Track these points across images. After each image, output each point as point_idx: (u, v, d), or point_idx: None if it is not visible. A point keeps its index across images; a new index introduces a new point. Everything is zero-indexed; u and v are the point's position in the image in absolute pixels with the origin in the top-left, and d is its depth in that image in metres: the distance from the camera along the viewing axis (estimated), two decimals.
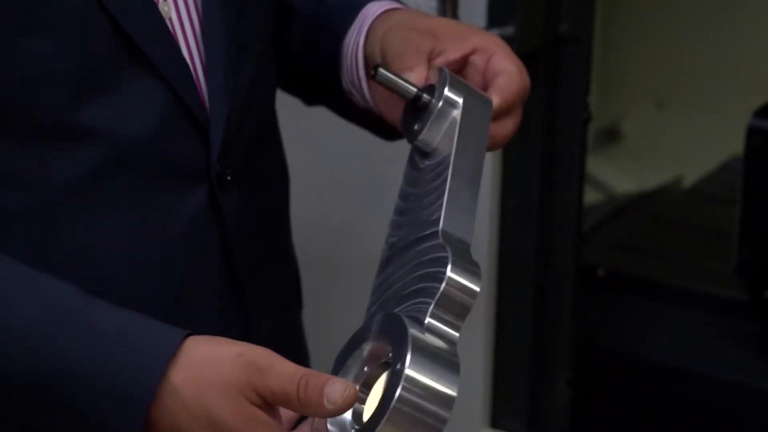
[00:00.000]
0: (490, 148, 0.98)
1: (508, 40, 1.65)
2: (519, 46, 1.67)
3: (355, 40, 1.06)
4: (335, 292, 1.83)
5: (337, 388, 0.80)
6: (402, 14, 1.05)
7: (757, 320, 1.85)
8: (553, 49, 1.72)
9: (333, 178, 1.86)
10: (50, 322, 0.86)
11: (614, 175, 2.50)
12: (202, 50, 0.97)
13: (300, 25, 1.11)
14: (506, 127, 1.01)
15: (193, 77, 0.96)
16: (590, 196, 2.24)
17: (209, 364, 0.84)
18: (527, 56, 1.69)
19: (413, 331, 0.80)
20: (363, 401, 0.83)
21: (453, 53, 1.00)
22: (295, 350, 1.14)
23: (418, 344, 0.80)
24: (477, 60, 1.01)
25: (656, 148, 2.62)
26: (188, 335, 0.86)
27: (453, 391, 0.79)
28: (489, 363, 1.84)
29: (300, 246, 1.17)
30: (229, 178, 0.99)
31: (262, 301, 1.05)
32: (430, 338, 0.81)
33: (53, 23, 0.89)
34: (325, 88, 1.11)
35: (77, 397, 0.85)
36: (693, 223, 2.21)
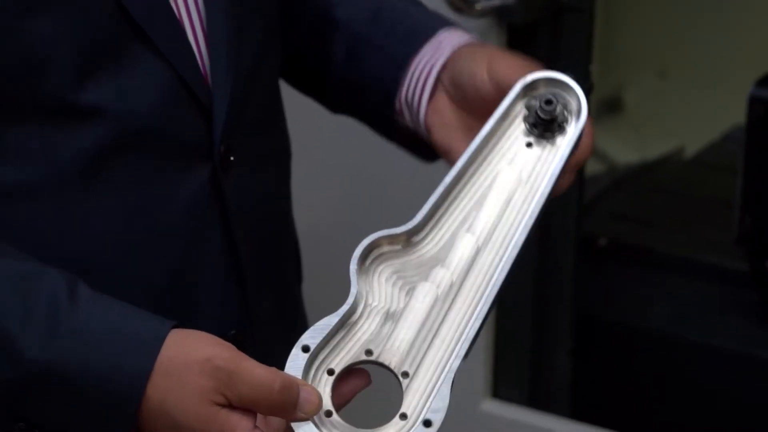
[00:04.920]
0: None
1: (509, 9, 1.64)
2: (520, 16, 1.66)
3: (428, 65, 1.07)
4: (334, 264, 1.83)
5: (311, 399, 0.82)
6: (481, 49, 1.06)
7: (757, 290, 1.85)
8: (554, 18, 1.71)
9: (332, 157, 1.86)
10: (39, 323, 0.85)
11: (616, 146, 2.50)
12: (205, 30, 0.97)
13: (345, 37, 1.11)
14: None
15: (197, 57, 0.96)
16: (591, 166, 2.23)
17: (178, 375, 0.84)
18: (528, 26, 1.69)
19: None
20: None
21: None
22: (294, 327, 1.14)
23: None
24: None
25: (658, 118, 2.61)
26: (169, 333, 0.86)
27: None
28: (490, 333, 1.84)
29: (300, 219, 1.17)
30: (231, 158, 0.99)
31: (262, 280, 1.05)
32: None
33: (56, 3, 0.89)
34: (364, 102, 1.12)
35: (71, 394, 0.85)
36: (694, 193, 2.21)
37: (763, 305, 1.84)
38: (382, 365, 0.85)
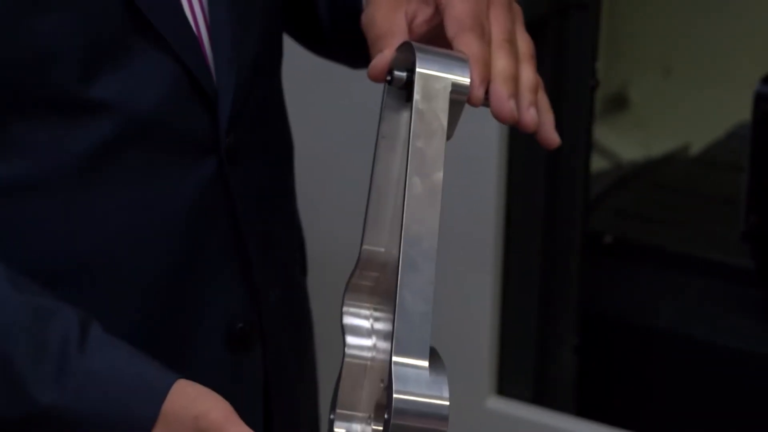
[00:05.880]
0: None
1: None
2: (526, 13, 1.66)
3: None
4: (337, 256, 1.83)
5: None
6: None
7: (763, 287, 1.85)
8: (561, 15, 1.71)
9: (335, 151, 1.86)
10: (50, 366, 0.86)
11: (621, 143, 2.50)
12: (208, 20, 0.97)
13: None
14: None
15: (201, 49, 0.97)
16: (597, 164, 2.23)
17: (175, 429, 0.85)
18: (534, 22, 1.69)
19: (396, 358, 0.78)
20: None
21: (421, 15, 0.91)
22: (300, 319, 1.14)
23: (400, 371, 0.77)
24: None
25: (663, 115, 2.61)
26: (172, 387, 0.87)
27: (445, 401, 0.77)
28: (495, 330, 1.84)
29: (303, 212, 1.17)
30: (237, 150, 0.99)
31: (269, 273, 1.05)
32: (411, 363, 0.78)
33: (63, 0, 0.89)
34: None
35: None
36: (700, 191, 2.21)
37: None
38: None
